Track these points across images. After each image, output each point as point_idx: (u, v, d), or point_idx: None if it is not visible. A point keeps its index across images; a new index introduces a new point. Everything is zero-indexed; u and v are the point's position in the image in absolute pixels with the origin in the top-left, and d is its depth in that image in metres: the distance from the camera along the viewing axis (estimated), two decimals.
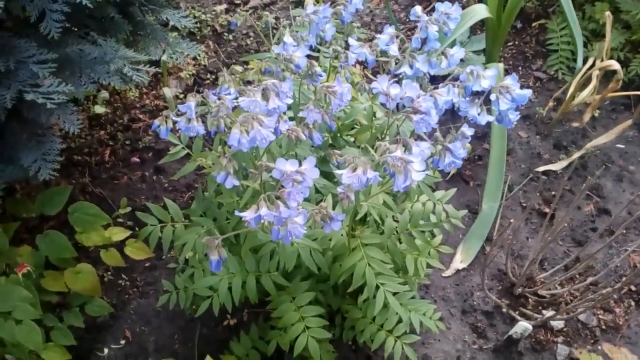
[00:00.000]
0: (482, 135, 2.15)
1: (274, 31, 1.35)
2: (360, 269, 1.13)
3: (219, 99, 1.01)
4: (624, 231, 1.88)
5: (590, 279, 1.74)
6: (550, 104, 2.18)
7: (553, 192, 2.00)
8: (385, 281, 1.14)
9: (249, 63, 1.86)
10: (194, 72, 2.35)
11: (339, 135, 1.40)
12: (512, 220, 1.89)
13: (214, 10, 2.61)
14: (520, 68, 2.36)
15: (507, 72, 2.35)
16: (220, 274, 1.16)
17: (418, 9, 1.18)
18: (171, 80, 2.33)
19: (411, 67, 1.13)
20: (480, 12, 1.84)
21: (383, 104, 0.98)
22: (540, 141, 2.14)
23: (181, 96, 2.26)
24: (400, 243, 1.30)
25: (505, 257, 1.73)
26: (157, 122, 1.10)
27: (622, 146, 2.12)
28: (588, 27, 2.32)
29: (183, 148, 1.36)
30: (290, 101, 0.95)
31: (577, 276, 1.80)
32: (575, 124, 2.11)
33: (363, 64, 2.28)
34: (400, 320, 1.31)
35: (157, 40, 1.81)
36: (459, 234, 1.90)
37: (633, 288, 1.79)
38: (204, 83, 2.33)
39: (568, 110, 2.07)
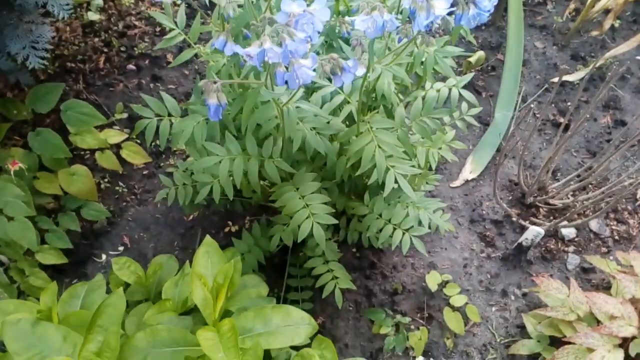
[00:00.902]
0: (496, 45, 2.04)
1: None
2: (369, 151, 1.05)
3: None
4: (638, 147, 1.80)
5: (603, 188, 1.68)
6: (568, 13, 2.06)
7: (569, 104, 1.91)
8: (396, 163, 1.07)
9: None
10: None
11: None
12: (519, 137, 1.81)
13: None
14: None
15: None
16: (221, 155, 1.09)
17: None
18: None
19: None
20: None
21: None
22: (557, 52, 2.03)
23: (178, 2, 2.14)
24: (412, 134, 1.22)
25: (518, 166, 1.66)
26: None
27: None
28: None
29: (180, 33, 1.26)
30: None
31: (590, 186, 1.73)
32: (594, 33, 2.00)
33: None
34: (407, 215, 1.25)
35: None
36: (469, 145, 1.82)
37: None
38: None
39: (587, 19, 1.96)
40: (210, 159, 1.08)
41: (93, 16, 2.09)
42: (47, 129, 1.52)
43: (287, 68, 0.76)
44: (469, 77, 1.22)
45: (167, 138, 1.29)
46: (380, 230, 1.25)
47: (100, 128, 1.69)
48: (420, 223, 1.26)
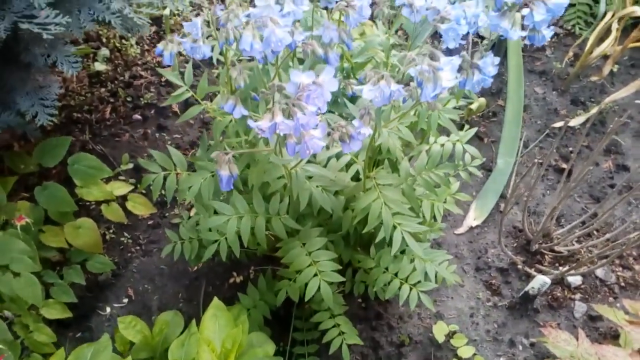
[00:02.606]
0: (496, 91, 2.07)
1: None
2: (376, 209, 1.06)
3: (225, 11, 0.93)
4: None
5: (607, 235, 1.68)
6: (568, 58, 2.10)
7: (570, 149, 1.93)
8: (403, 221, 1.08)
9: None
10: None
11: (352, 75, 1.33)
12: (523, 184, 1.82)
13: None
14: None
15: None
16: (228, 214, 1.10)
17: None
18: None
19: None
20: None
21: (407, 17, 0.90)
22: (557, 97, 2.06)
23: (184, 52, 2.18)
24: (416, 189, 1.23)
25: (522, 213, 1.66)
26: (160, 46, 1.02)
27: None
28: None
29: (187, 90, 1.28)
30: (306, 7, 0.87)
31: (595, 232, 1.74)
32: (593, 78, 2.03)
33: None
34: (414, 269, 1.25)
35: None
36: (472, 192, 1.83)
37: None
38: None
39: (586, 64, 1.99)
40: (218, 218, 1.08)
41: (99, 66, 2.13)
42: (54, 183, 1.53)
43: (297, 138, 0.77)
44: (472, 131, 1.23)
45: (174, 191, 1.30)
46: (388, 284, 1.25)
47: (107, 179, 1.70)
48: (426, 276, 1.26)
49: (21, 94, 1.37)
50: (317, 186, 1.10)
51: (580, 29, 2.21)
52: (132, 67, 2.15)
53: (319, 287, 1.09)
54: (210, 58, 1.16)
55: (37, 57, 1.31)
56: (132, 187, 1.67)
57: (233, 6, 0.88)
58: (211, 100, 1.43)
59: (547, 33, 0.89)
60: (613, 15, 1.95)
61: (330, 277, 1.10)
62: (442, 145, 1.22)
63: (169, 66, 1.09)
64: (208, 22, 0.96)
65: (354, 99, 1.10)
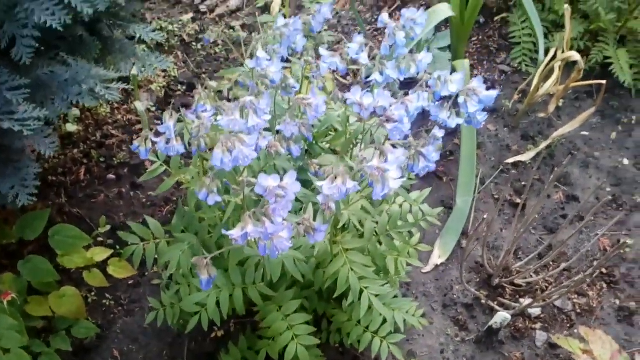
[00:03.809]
0: (452, 131, 2.19)
1: (244, 43, 1.37)
2: (343, 275, 1.16)
3: (197, 117, 1.02)
4: (592, 218, 1.95)
5: (563, 265, 1.81)
6: (516, 96, 2.24)
7: (523, 183, 2.06)
8: (369, 284, 1.18)
9: (223, 77, 1.88)
10: (165, 84, 2.35)
11: (314, 142, 1.43)
12: (485, 216, 1.95)
13: (180, 20, 2.61)
14: (485, 62, 2.42)
15: (472, 67, 2.41)
16: (207, 290, 1.18)
17: (385, 16, 1.22)
18: (142, 93, 2.32)
19: (381, 73, 1.16)
20: (444, 11, 1.89)
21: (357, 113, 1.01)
22: (509, 133, 2.20)
23: (153, 109, 2.26)
24: (381, 245, 1.33)
25: (482, 250, 1.78)
26: (136, 143, 1.11)
27: (587, 133, 2.20)
28: (548, 19, 2.39)
29: (161, 165, 1.37)
30: (268, 117, 0.97)
31: (551, 263, 1.87)
32: (541, 115, 2.18)
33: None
34: (385, 321, 1.35)
35: (127, 56, 1.81)
36: (436, 230, 1.94)
37: (604, 271, 1.86)
38: (175, 94, 2.33)
39: (533, 102, 2.14)
40: (198, 295, 1.17)
41: (71, 127, 2.19)
42: (37, 256, 1.59)
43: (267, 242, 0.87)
44: (426, 192, 1.35)
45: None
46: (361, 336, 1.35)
47: (87, 246, 1.76)
48: (397, 326, 1.36)
49: (1, 177, 1.43)
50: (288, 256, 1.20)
51: (526, 66, 2.36)
52: (103, 126, 2.21)
53: (296, 352, 1.18)
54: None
55: (15, 143, 1.38)
56: (111, 252, 1.74)
57: (204, 120, 0.97)
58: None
59: (481, 117, 1.01)
60: (555, 56, 2.10)
61: (306, 341, 1.20)
62: (401, 205, 1.33)
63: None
64: (180, 120, 1.05)
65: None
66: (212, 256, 0.94)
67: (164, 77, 2.37)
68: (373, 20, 2.61)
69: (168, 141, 1.04)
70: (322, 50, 1.19)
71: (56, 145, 1.48)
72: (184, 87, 2.35)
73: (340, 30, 2.58)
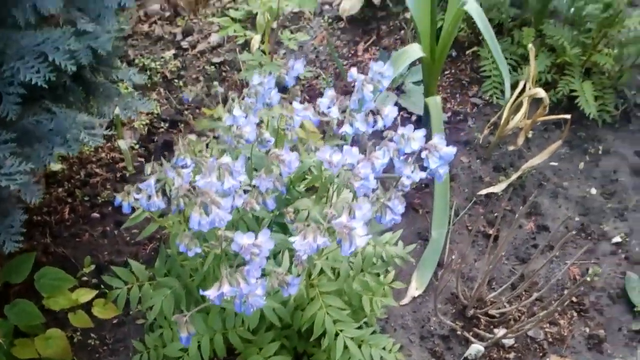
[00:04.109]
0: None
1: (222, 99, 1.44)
2: (319, 319, 1.22)
3: (177, 173, 1.08)
4: (562, 250, 2.03)
5: (535, 295, 1.88)
6: (487, 129, 2.33)
7: (495, 214, 2.14)
8: (344, 327, 1.24)
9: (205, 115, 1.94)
10: (147, 121, 2.40)
11: (292, 186, 1.49)
12: (459, 248, 2.02)
13: (162, 57, 2.67)
14: (457, 95, 2.52)
15: (445, 101, 2.50)
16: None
17: (354, 71, 1.30)
18: (125, 131, 2.38)
19: (351, 125, 1.23)
20: (415, 51, 1.97)
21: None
22: (481, 165, 2.29)
23: (136, 147, 2.32)
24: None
25: (456, 282, 1.85)
26: (119, 198, 1.16)
27: (556, 164, 2.29)
28: (517, 52, 2.50)
29: (143, 211, 1.42)
30: (243, 178, 1.04)
31: (524, 293, 1.94)
32: (511, 147, 2.26)
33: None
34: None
35: (110, 99, 1.87)
36: (413, 261, 2.01)
37: (574, 300, 1.93)
38: (158, 132, 2.39)
39: (504, 135, 2.22)
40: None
41: (55, 166, 2.23)
42: (23, 299, 1.62)
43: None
44: (398, 234, 1.42)
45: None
46: None
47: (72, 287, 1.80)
48: None
49: None
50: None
51: (497, 98, 2.46)
52: (87, 164, 2.26)
53: None
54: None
55: (1, 194, 1.42)
56: (96, 292, 1.78)
57: (183, 179, 1.03)
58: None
59: (443, 171, 1.08)
60: (524, 89, 2.20)
61: None
62: (374, 246, 1.40)
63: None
64: (159, 180, 1.11)
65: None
66: (193, 312, 0.99)
67: (147, 114, 2.43)
68: (350, 54, 2.70)
69: (149, 197, 1.10)
70: (296, 104, 1.26)
71: (42, 192, 1.53)
72: (167, 124, 2.40)
73: (319, 65, 2.66)
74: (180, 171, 1.07)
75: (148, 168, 1.18)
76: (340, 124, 1.24)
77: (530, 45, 2.08)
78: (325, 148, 1.06)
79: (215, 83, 1.43)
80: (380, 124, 1.20)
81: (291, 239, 0.96)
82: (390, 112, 1.20)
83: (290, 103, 1.34)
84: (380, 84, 1.29)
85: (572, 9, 2.31)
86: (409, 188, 1.18)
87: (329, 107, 1.23)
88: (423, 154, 1.08)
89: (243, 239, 0.92)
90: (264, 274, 0.95)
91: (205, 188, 0.97)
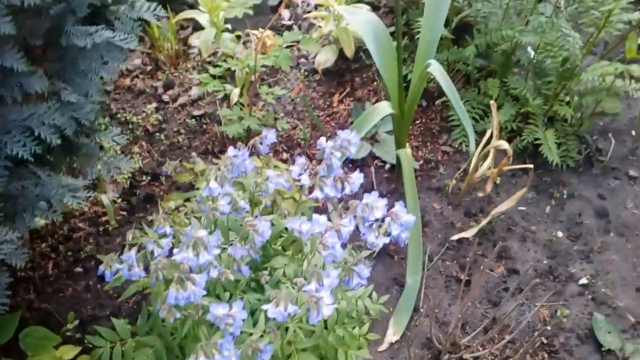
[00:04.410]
0: None
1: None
2: None
3: (157, 245, 1.16)
4: (532, 293, 2.11)
5: (507, 338, 1.96)
6: (457, 176, 2.44)
7: (467, 258, 2.22)
8: None
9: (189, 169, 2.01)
10: (130, 174, 2.47)
11: (269, 244, 1.57)
12: (430, 298, 2.09)
13: (144, 111, 2.76)
14: (428, 143, 2.63)
15: (417, 149, 2.61)
16: None
17: (322, 140, 1.39)
18: (108, 185, 2.44)
19: (322, 190, 1.32)
20: (384, 109, 2.09)
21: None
22: (453, 211, 2.39)
23: (119, 200, 2.38)
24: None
25: (430, 327, 1.92)
26: (102, 267, 1.23)
27: (524, 208, 2.40)
28: (484, 102, 2.63)
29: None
30: (217, 252, 1.11)
31: (496, 336, 2.01)
32: (480, 194, 2.37)
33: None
34: None
35: (93, 160, 1.94)
36: (390, 307, 2.08)
37: (545, 341, 2.01)
38: (140, 185, 2.46)
39: (473, 182, 2.33)
40: None
41: (38, 222, 2.28)
42: (8, 359, 1.66)
43: None
44: (370, 288, 1.49)
45: None
46: None
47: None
48: None
49: None
50: None
51: (466, 146, 2.57)
52: (70, 219, 2.31)
53: None
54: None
55: None
56: (79, 349, 1.82)
57: (161, 259, 1.11)
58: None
59: (405, 235, 1.17)
60: (491, 137, 2.31)
61: None
62: (351, 301, 1.47)
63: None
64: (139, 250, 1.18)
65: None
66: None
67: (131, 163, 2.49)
68: (325, 105, 2.81)
69: (130, 267, 1.17)
70: (269, 172, 1.34)
71: (27, 255, 1.59)
72: (149, 177, 2.47)
73: (296, 116, 2.76)
74: (160, 242, 1.14)
75: (129, 235, 1.25)
76: (312, 189, 1.32)
77: (492, 102, 2.20)
78: (295, 218, 1.14)
79: (193, 154, 1.51)
80: (347, 189, 1.29)
81: (264, 307, 1.03)
82: (356, 178, 1.29)
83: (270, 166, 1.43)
84: (348, 150, 1.38)
85: (534, 62, 2.45)
86: (380, 247, 1.27)
87: (300, 175, 1.31)
88: (386, 221, 1.16)
89: (218, 310, 0.99)
90: (238, 341, 1.01)
91: (182, 262, 1.04)
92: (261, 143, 1.41)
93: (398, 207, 1.17)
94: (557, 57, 2.26)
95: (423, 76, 2.02)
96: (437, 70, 1.93)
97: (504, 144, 2.12)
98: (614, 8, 2.05)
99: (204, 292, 1.04)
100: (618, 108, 2.36)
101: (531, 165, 2.18)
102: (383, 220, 1.17)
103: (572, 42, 2.13)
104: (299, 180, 1.36)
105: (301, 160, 1.35)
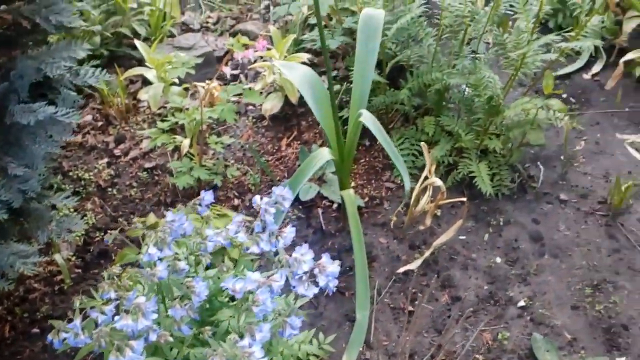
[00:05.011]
0: (349, 247, 2.48)
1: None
2: None
3: (101, 312, 1.23)
4: (475, 317, 2.24)
5: None
6: (398, 212, 2.57)
7: (413, 290, 2.35)
8: None
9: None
10: (83, 232, 2.53)
11: (214, 297, 1.65)
12: (380, 332, 2.20)
13: (96, 167, 2.82)
14: (373, 181, 2.77)
15: (362, 187, 2.74)
16: None
17: (257, 198, 1.50)
18: (62, 243, 2.49)
19: (258, 245, 1.42)
20: (325, 155, 2.21)
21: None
22: (398, 244, 2.51)
23: (73, 258, 2.43)
24: None
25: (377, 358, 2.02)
26: (50, 336, 1.30)
27: (464, 237, 2.54)
28: (422, 138, 2.78)
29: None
30: (155, 316, 1.20)
31: None
32: (421, 227, 2.50)
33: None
34: None
35: (44, 223, 2.00)
36: (342, 343, 2.17)
37: None
38: (94, 241, 2.51)
39: (414, 216, 2.47)
40: None
41: None
42: None
43: None
44: (311, 333, 1.59)
45: None
46: None
47: None
48: None
49: None
50: None
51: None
52: (25, 280, 2.35)
53: None
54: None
55: None
56: None
57: (103, 327, 1.19)
58: None
59: (333, 284, 1.28)
60: (426, 178, 2.46)
61: None
62: (292, 346, 1.56)
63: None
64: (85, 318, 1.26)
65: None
66: None
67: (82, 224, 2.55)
68: (274, 150, 2.93)
69: (76, 335, 1.24)
70: (208, 231, 1.44)
71: None
72: (102, 233, 2.53)
73: (246, 162, 2.87)
74: (103, 308, 1.22)
75: (77, 302, 1.33)
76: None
77: (422, 144, 2.36)
78: (228, 278, 1.24)
79: (140, 226, 1.56)
80: (281, 244, 1.39)
81: None
82: (289, 232, 1.40)
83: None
84: (282, 205, 1.49)
85: (464, 100, 2.63)
86: (310, 297, 1.37)
87: (236, 232, 1.41)
88: (315, 272, 1.27)
89: None
90: None
91: (122, 329, 1.12)
92: (200, 204, 1.51)
93: (325, 258, 1.28)
94: (483, 95, 2.43)
95: (356, 126, 2.15)
96: (368, 119, 2.07)
97: (437, 181, 2.26)
98: (527, 51, 2.24)
99: (142, 357, 1.11)
100: (542, 139, 2.55)
101: (464, 199, 2.33)
102: (312, 271, 1.27)
103: (494, 83, 2.31)
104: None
105: (238, 218, 1.45)
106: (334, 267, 1.26)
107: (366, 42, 2.20)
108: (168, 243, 1.33)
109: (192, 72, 2.68)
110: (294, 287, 1.26)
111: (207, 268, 1.50)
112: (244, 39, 3.03)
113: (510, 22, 3.08)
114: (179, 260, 1.35)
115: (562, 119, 2.53)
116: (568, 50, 2.31)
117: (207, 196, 1.50)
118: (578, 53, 3.37)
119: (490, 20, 2.34)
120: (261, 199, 1.48)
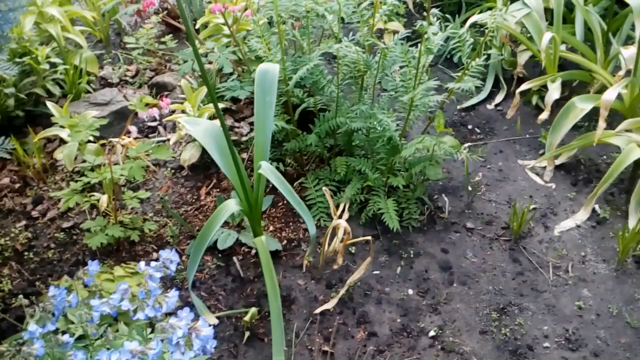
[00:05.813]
0: (266, 294, 2.54)
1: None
2: None
3: None
4: (390, 351, 2.32)
5: None
6: (317, 250, 2.66)
7: (330, 329, 2.42)
8: None
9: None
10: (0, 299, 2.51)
11: None
12: None
13: (12, 231, 2.81)
14: (290, 223, 2.85)
15: (281, 230, 2.82)
16: None
17: (142, 264, 1.55)
18: None
19: (142, 312, 1.47)
20: (232, 207, 2.28)
21: None
22: (315, 285, 2.59)
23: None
24: None
25: None
26: None
27: (378, 272, 2.64)
28: (336, 178, 2.90)
29: None
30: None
31: None
32: (335, 267, 2.59)
33: None
34: None
35: None
36: None
37: None
38: (11, 308, 2.50)
39: (328, 256, 2.55)
40: None
41: None
42: None
43: None
44: None
45: None
46: None
47: None
48: None
49: None
50: None
51: (324, 221, 2.81)
52: None
53: None
54: None
55: None
56: None
57: None
58: None
59: (210, 346, 1.34)
60: (341, 215, 2.56)
61: None
62: None
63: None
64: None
65: None
66: None
67: None
68: (193, 199, 2.98)
69: None
70: (93, 301, 1.48)
71: None
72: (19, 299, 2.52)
73: (165, 214, 2.91)
74: None
75: None
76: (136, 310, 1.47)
77: (325, 188, 2.47)
78: (102, 351, 1.28)
79: (25, 301, 1.58)
80: (164, 308, 1.45)
81: None
82: (173, 296, 1.46)
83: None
84: (169, 268, 1.55)
85: (368, 142, 2.76)
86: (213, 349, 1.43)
87: (120, 301, 1.46)
88: (191, 336, 1.33)
89: None
90: None
91: None
92: (85, 281, 1.55)
93: (200, 322, 1.34)
94: (383, 137, 2.56)
95: (260, 177, 2.24)
96: (267, 170, 2.16)
97: (343, 222, 2.36)
98: (414, 96, 2.39)
99: None
100: (440, 174, 2.69)
101: (369, 237, 2.44)
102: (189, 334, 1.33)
103: (390, 126, 2.44)
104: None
105: (123, 286, 1.50)
106: (207, 330, 1.32)
107: (263, 96, 2.31)
108: (52, 320, 1.37)
109: (97, 133, 2.71)
110: (171, 353, 1.32)
111: (99, 337, 1.54)
112: (148, 99, 3.08)
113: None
114: (64, 332, 1.39)
115: (461, 152, 2.69)
116: (456, 90, 2.47)
117: (93, 267, 1.55)
118: (479, 87, 3.57)
119: (380, 68, 2.49)
120: (147, 264, 1.54)
